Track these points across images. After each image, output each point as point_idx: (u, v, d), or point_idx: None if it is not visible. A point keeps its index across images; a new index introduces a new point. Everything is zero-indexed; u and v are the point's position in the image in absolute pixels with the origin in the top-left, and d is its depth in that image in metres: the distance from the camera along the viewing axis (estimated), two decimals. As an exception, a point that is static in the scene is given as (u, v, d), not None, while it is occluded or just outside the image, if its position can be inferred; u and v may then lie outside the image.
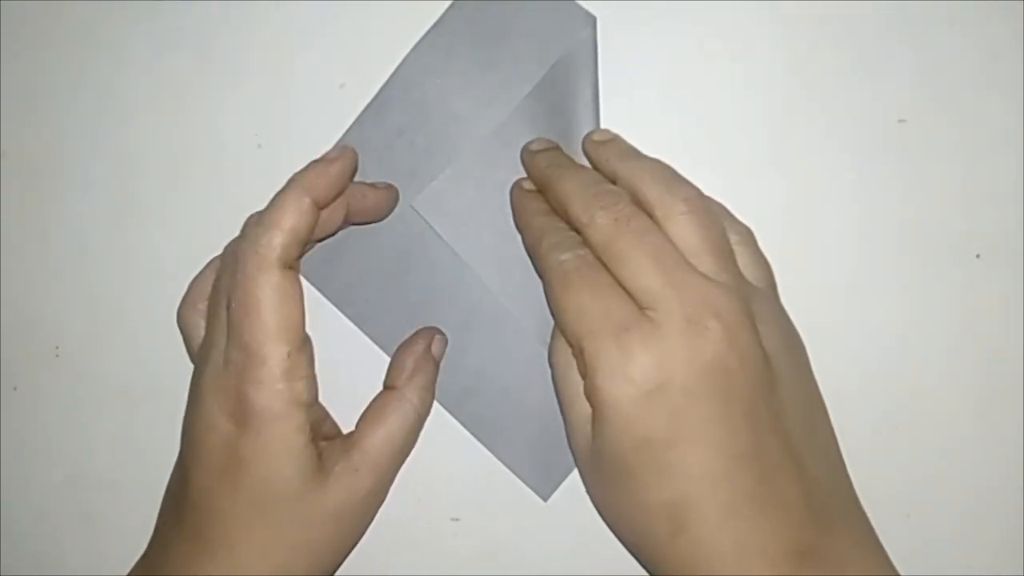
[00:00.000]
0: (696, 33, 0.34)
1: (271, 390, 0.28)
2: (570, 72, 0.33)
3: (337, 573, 0.32)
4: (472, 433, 0.34)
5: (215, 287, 0.31)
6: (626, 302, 0.28)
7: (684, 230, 0.28)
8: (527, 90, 0.33)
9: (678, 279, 0.27)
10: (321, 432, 0.32)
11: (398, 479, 0.34)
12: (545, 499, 0.34)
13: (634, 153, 0.32)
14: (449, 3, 0.34)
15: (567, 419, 0.30)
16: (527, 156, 0.33)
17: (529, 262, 0.33)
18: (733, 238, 0.30)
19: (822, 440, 0.29)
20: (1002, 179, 0.33)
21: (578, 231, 0.29)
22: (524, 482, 0.34)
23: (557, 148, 0.33)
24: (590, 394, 0.28)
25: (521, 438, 0.34)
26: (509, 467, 0.34)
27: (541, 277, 0.30)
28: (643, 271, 0.27)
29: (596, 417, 0.28)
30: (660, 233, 0.28)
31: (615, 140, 0.32)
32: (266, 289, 0.28)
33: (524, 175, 0.33)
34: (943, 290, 0.33)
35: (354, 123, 0.34)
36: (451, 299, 0.34)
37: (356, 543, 0.32)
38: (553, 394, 0.32)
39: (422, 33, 0.34)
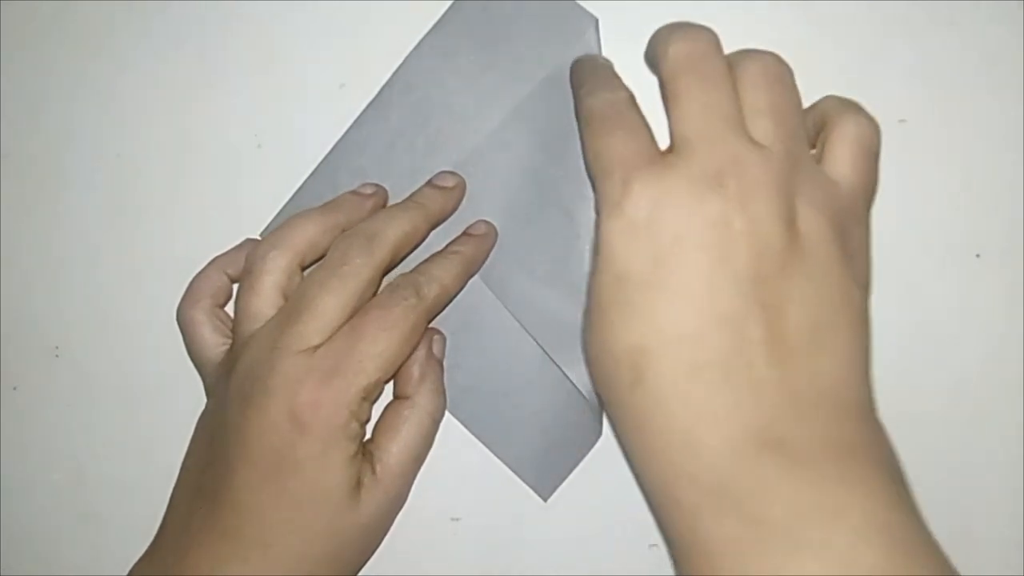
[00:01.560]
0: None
1: (346, 404, 0.28)
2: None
3: (337, 573, 0.32)
4: (472, 433, 0.34)
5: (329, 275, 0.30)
6: (646, 144, 0.27)
7: (753, 91, 0.27)
8: (528, 91, 0.33)
9: (717, 132, 0.26)
10: None
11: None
12: (545, 499, 0.34)
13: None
14: (450, 3, 0.34)
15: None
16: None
17: (529, 261, 0.33)
18: (849, 129, 0.28)
19: (839, 341, 0.25)
20: (1002, 179, 0.33)
21: (656, 68, 0.28)
22: (524, 482, 0.34)
23: None
24: (595, 228, 0.27)
25: (521, 438, 0.34)
26: (509, 467, 0.34)
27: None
28: (688, 116, 0.26)
29: (595, 253, 0.27)
30: (727, 85, 0.27)
31: None
32: (405, 330, 0.29)
33: (525, 176, 0.33)
34: (943, 290, 0.33)
35: (354, 123, 0.34)
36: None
37: (373, 553, 0.32)
38: (554, 395, 0.32)
39: (422, 33, 0.34)
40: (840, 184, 0.27)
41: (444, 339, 0.34)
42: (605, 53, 0.33)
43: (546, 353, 0.33)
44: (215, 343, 0.32)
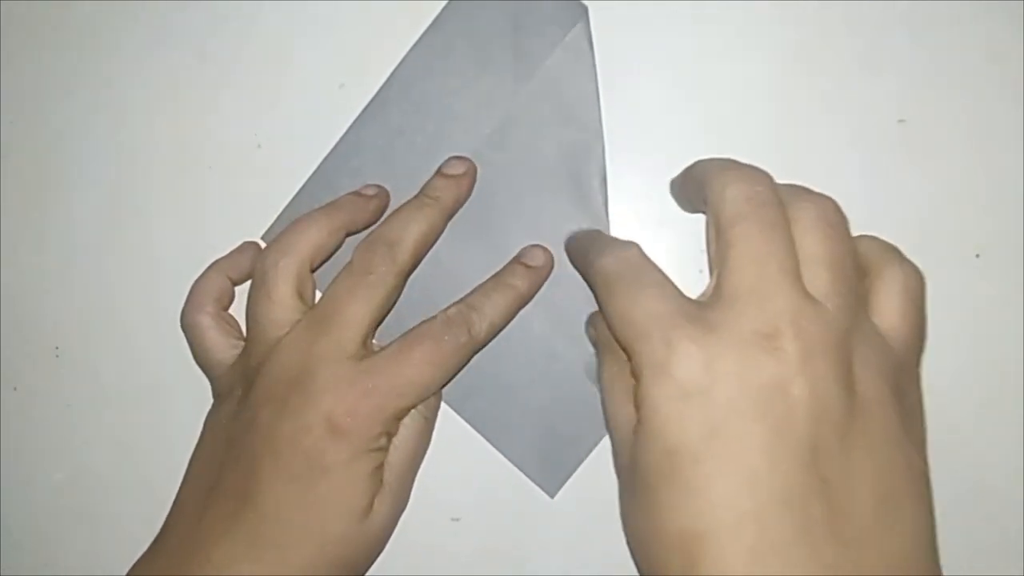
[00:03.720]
0: (695, 33, 0.34)
1: (382, 420, 0.29)
2: (567, 65, 0.33)
3: (337, 573, 0.32)
4: (477, 430, 0.34)
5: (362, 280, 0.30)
6: (680, 299, 0.25)
7: (810, 237, 0.25)
8: (525, 87, 0.33)
9: (772, 287, 0.24)
10: None
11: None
12: (552, 495, 0.34)
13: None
14: (446, 2, 0.34)
15: (613, 435, 0.28)
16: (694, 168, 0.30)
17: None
18: (897, 279, 0.27)
19: (905, 517, 0.24)
20: (1002, 179, 0.33)
21: (707, 208, 0.27)
22: (531, 479, 0.34)
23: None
24: (636, 395, 0.25)
25: (527, 435, 0.34)
26: (515, 464, 0.34)
27: (590, 288, 0.29)
28: (742, 267, 0.25)
29: (638, 422, 0.25)
30: (786, 234, 0.25)
31: None
32: (451, 367, 0.30)
33: (529, 174, 0.33)
34: (943, 290, 0.33)
35: (354, 123, 0.34)
36: (455, 296, 0.34)
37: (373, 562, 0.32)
38: (559, 390, 0.32)
39: (422, 33, 0.34)
40: (892, 339, 0.26)
41: None
42: (604, 52, 0.33)
43: (552, 346, 0.33)
44: (225, 345, 0.32)
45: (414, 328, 0.31)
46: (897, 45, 0.33)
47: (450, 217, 0.33)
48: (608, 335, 0.28)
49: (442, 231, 0.33)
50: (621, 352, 0.27)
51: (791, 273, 0.24)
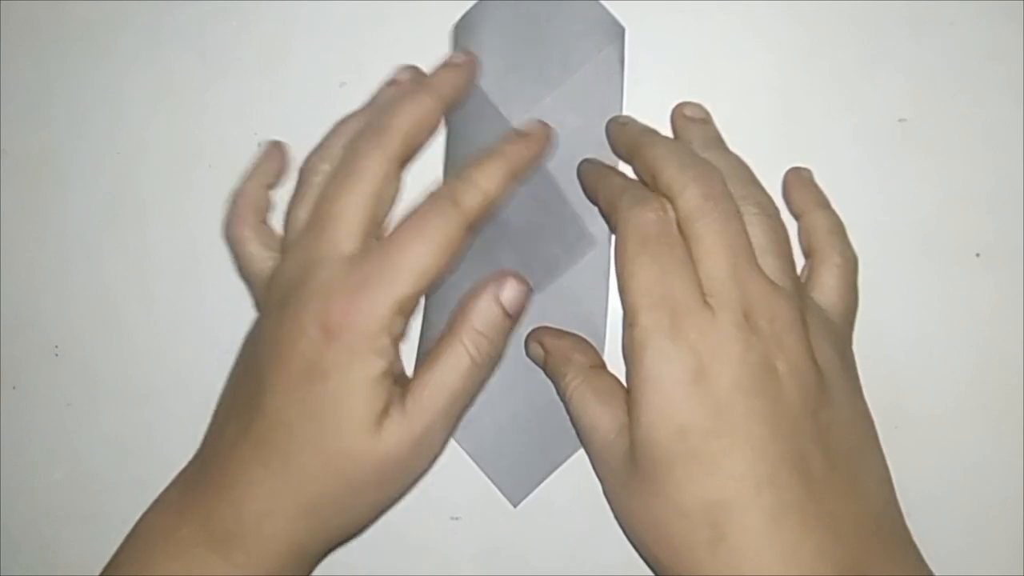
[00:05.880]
0: (695, 35, 0.34)
1: (377, 315, 0.27)
2: (596, 80, 0.33)
3: (336, 574, 0.32)
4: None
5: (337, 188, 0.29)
6: (692, 285, 0.27)
7: (754, 228, 0.28)
8: (551, 94, 0.33)
9: (744, 273, 0.27)
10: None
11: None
12: (515, 505, 0.34)
13: (718, 143, 0.32)
14: (448, 2, 0.33)
15: (594, 437, 0.28)
16: (614, 127, 0.32)
17: (537, 266, 0.33)
18: (835, 260, 0.30)
19: (872, 462, 0.28)
20: (1002, 179, 0.33)
21: (667, 197, 0.28)
22: (496, 485, 0.34)
23: (647, 125, 0.32)
24: (633, 374, 0.27)
25: (499, 442, 0.33)
26: (483, 469, 0.34)
27: (616, 232, 0.29)
28: (715, 256, 0.27)
29: (635, 402, 0.26)
30: (742, 224, 0.28)
31: (705, 123, 0.32)
32: (440, 240, 0.28)
33: (536, 185, 0.33)
34: (943, 290, 0.33)
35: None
36: (449, 298, 0.34)
37: (395, 500, 0.30)
38: (536, 399, 0.32)
39: (423, 33, 0.34)
40: (831, 312, 0.30)
41: (522, 286, 0.30)
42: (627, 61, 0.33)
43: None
44: (263, 258, 0.32)
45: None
46: (897, 45, 0.33)
47: (449, 107, 0.31)
48: (563, 354, 0.30)
49: (438, 119, 0.31)
50: (582, 361, 0.30)
51: (754, 259, 0.28)
